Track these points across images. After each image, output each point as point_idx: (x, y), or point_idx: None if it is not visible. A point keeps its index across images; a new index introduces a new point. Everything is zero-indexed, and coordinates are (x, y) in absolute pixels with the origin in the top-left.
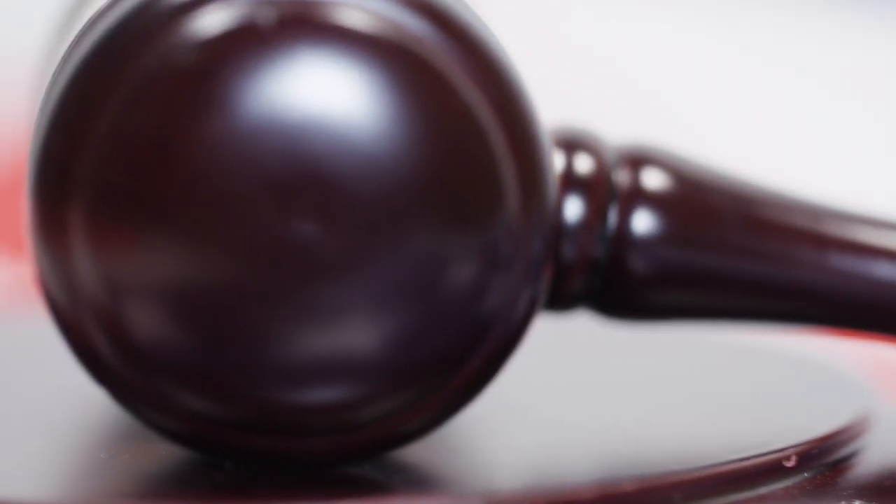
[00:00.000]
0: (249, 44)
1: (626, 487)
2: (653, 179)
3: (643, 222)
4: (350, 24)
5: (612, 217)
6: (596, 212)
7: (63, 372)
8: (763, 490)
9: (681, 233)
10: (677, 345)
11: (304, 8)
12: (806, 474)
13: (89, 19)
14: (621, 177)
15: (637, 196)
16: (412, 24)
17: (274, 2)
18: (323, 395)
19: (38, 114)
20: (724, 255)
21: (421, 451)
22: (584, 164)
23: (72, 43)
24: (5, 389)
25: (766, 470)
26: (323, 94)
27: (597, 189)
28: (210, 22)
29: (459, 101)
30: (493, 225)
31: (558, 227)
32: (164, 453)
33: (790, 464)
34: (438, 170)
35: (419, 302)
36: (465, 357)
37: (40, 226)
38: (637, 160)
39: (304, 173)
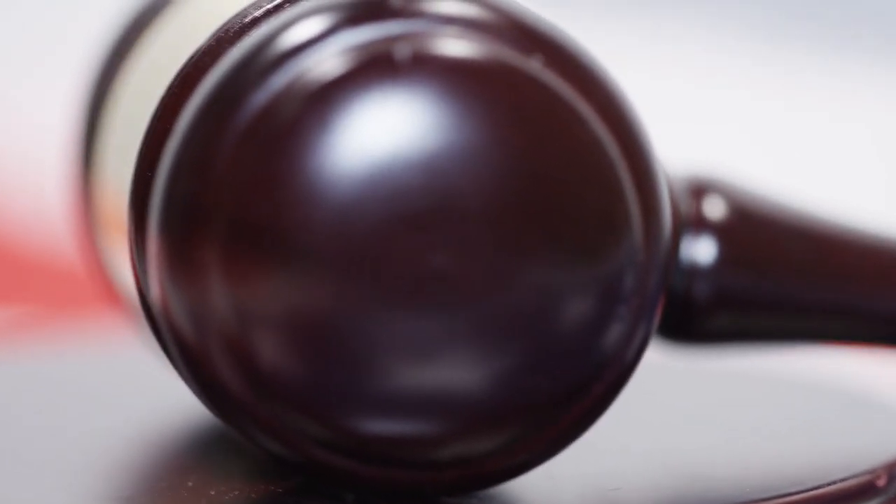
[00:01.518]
0: (383, 78)
1: None
2: (714, 208)
3: (706, 250)
4: (480, 57)
5: (684, 247)
6: (675, 242)
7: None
8: None
9: (741, 259)
10: (727, 375)
11: (435, 42)
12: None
13: (200, 52)
14: (687, 206)
15: (701, 224)
16: (539, 58)
17: (405, 36)
18: (440, 427)
19: (139, 150)
20: (783, 280)
21: None
22: None
23: (181, 79)
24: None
25: (859, 491)
26: (455, 127)
27: (673, 220)
28: (342, 56)
29: (588, 132)
30: (619, 257)
31: (672, 260)
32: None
33: (881, 483)
34: (569, 201)
35: (544, 335)
36: (581, 393)
37: (169, 261)
38: (699, 189)
39: (438, 206)
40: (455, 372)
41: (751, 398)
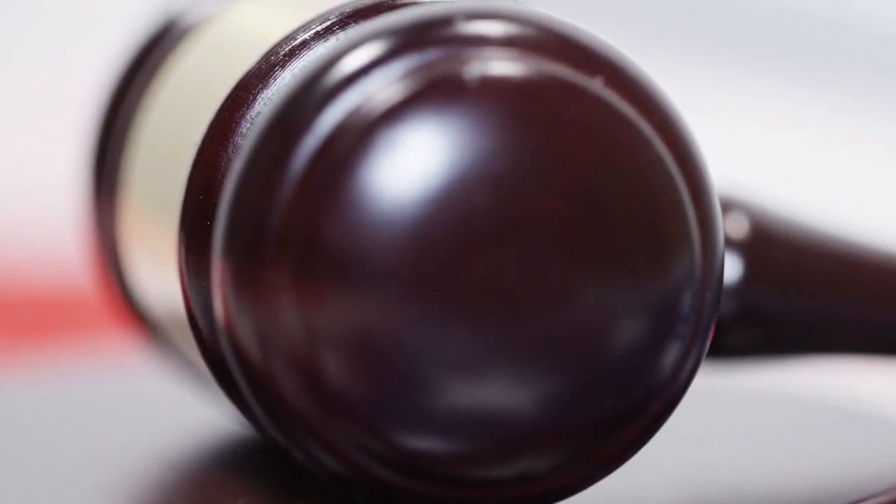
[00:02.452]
0: (451, 99)
1: None
2: (737, 225)
3: (730, 268)
4: (545, 77)
5: None
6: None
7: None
8: None
9: (764, 276)
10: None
11: (501, 63)
12: None
13: (249, 76)
14: None
15: (726, 242)
16: (600, 78)
17: (471, 57)
18: (501, 445)
19: (189, 175)
20: (805, 296)
21: None
22: None
23: (230, 103)
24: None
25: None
26: (522, 147)
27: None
28: (409, 78)
29: (650, 151)
30: (681, 276)
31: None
32: None
33: None
34: (633, 219)
35: (607, 353)
36: (639, 412)
37: (236, 282)
38: (722, 206)
39: (506, 225)
40: (519, 390)
41: (761, 413)
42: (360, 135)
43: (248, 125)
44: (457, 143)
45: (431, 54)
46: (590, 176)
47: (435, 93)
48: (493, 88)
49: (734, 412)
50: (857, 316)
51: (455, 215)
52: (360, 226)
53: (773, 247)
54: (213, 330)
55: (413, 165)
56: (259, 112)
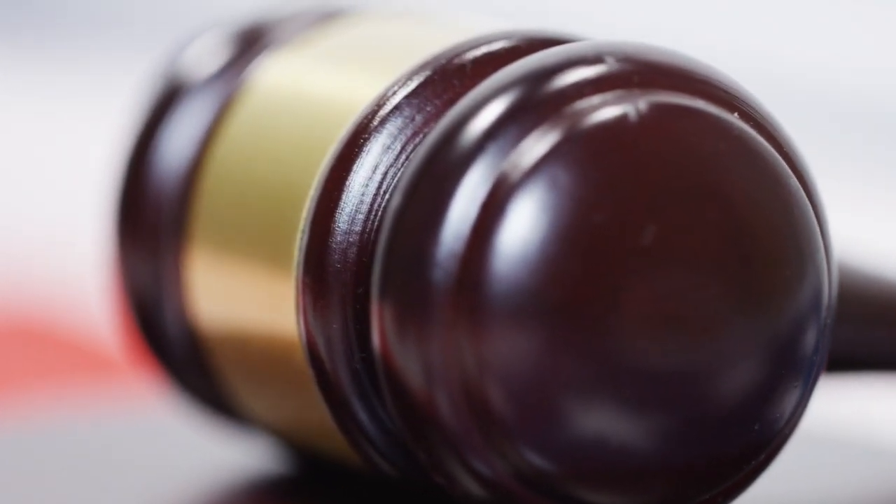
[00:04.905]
0: (612, 139)
1: None
2: None
3: None
4: (697, 114)
5: None
6: None
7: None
8: None
9: None
10: None
11: (653, 102)
12: None
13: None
14: None
15: None
16: (737, 113)
17: (633, 97)
18: (633, 478)
19: (311, 223)
20: (862, 325)
21: None
22: None
23: (337, 162)
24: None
25: None
26: (681, 181)
27: None
28: (579, 117)
29: (787, 183)
30: (811, 311)
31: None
32: None
33: None
34: (780, 251)
35: (748, 388)
36: (768, 446)
37: (398, 319)
38: None
39: (670, 259)
40: (658, 422)
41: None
42: (525, 176)
43: (366, 177)
44: (617, 180)
45: (587, 96)
46: (740, 210)
47: (594, 133)
48: (650, 127)
49: None
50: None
51: (618, 250)
52: (528, 263)
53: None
54: (335, 363)
55: (577, 203)
56: (376, 166)
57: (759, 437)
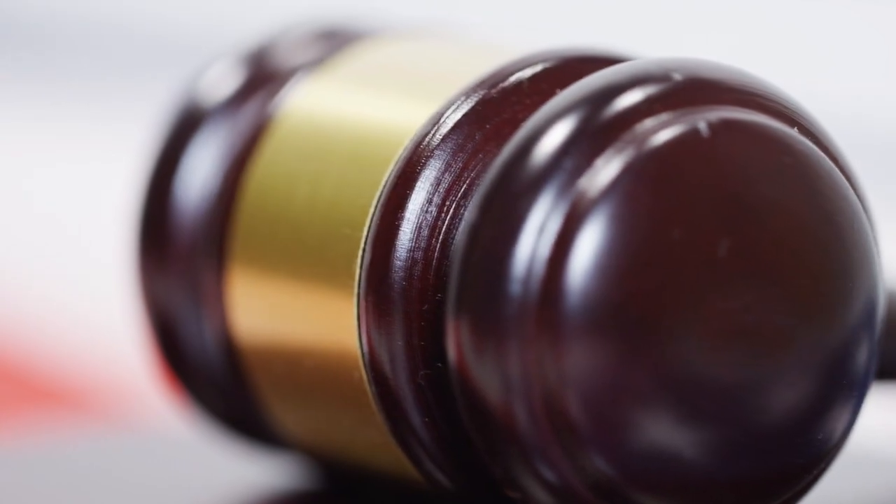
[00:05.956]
0: (690, 153)
1: None
2: None
3: None
4: (764, 129)
5: None
6: None
7: None
8: None
9: None
10: None
11: (727, 118)
12: None
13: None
14: None
15: None
16: (797, 128)
17: (704, 114)
18: (697, 490)
19: (371, 246)
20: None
21: None
22: None
23: (396, 184)
24: None
25: None
26: (754, 195)
27: None
28: (657, 132)
29: (849, 197)
30: (865, 325)
31: None
32: None
33: None
34: (844, 265)
35: (801, 404)
36: (808, 470)
37: (475, 333)
38: None
39: (745, 272)
40: (723, 434)
41: None
42: (602, 192)
43: (427, 195)
44: (692, 194)
45: (657, 113)
46: (807, 223)
47: (668, 148)
48: (720, 142)
49: None
50: None
51: (694, 264)
52: (607, 278)
53: None
54: (398, 379)
55: (653, 218)
56: (437, 184)
57: (816, 450)
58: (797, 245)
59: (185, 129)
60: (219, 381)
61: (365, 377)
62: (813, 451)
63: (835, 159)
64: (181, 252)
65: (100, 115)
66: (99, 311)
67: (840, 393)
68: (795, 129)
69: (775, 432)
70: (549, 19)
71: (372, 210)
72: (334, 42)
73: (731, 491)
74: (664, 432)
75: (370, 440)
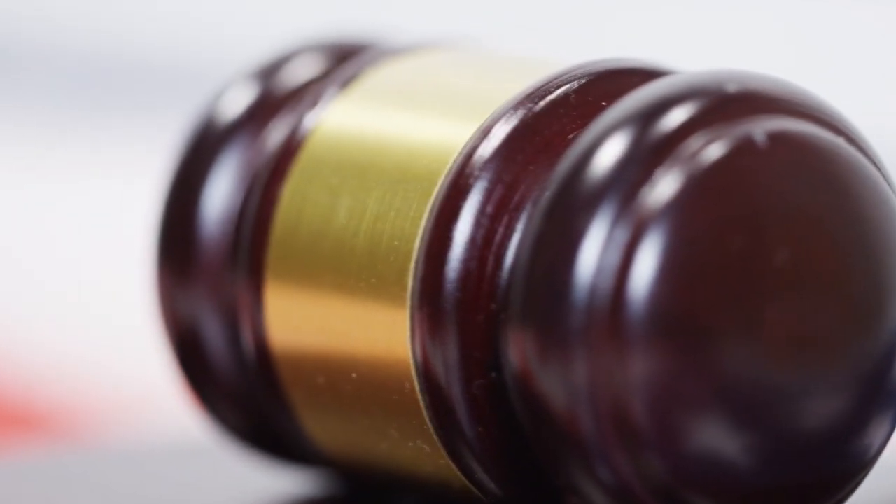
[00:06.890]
0: (750, 163)
1: None
2: None
3: None
4: (813, 138)
5: None
6: None
7: None
8: None
9: None
10: None
11: (779, 127)
12: None
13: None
14: None
15: None
16: (843, 138)
17: (756, 124)
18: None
19: (424, 257)
20: None
21: None
22: None
23: (442, 207)
24: None
25: None
26: (809, 203)
27: None
28: (712, 145)
29: (892, 205)
30: None
31: None
32: None
33: None
34: (889, 275)
35: (846, 413)
36: (848, 480)
37: (539, 342)
38: None
39: (802, 279)
40: (782, 441)
41: None
42: (665, 202)
43: (479, 207)
44: (751, 203)
45: (714, 123)
46: (860, 231)
47: (726, 159)
48: (776, 151)
49: None
50: None
51: (755, 273)
52: (672, 287)
53: None
54: (452, 389)
55: (714, 227)
56: (489, 195)
57: (860, 457)
58: (848, 254)
59: (210, 145)
60: (244, 396)
61: (417, 387)
62: (858, 457)
63: (877, 167)
64: (208, 269)
65: (121, 140)
66: (121, 338)
67: (883, 400)
68: (842, 138)
69: (824, 440)
70: (548, 26)
71: (423, 222)
72: (360, 56)
73: (782, 496)
74: (720, 438)
75: (417, 450)
